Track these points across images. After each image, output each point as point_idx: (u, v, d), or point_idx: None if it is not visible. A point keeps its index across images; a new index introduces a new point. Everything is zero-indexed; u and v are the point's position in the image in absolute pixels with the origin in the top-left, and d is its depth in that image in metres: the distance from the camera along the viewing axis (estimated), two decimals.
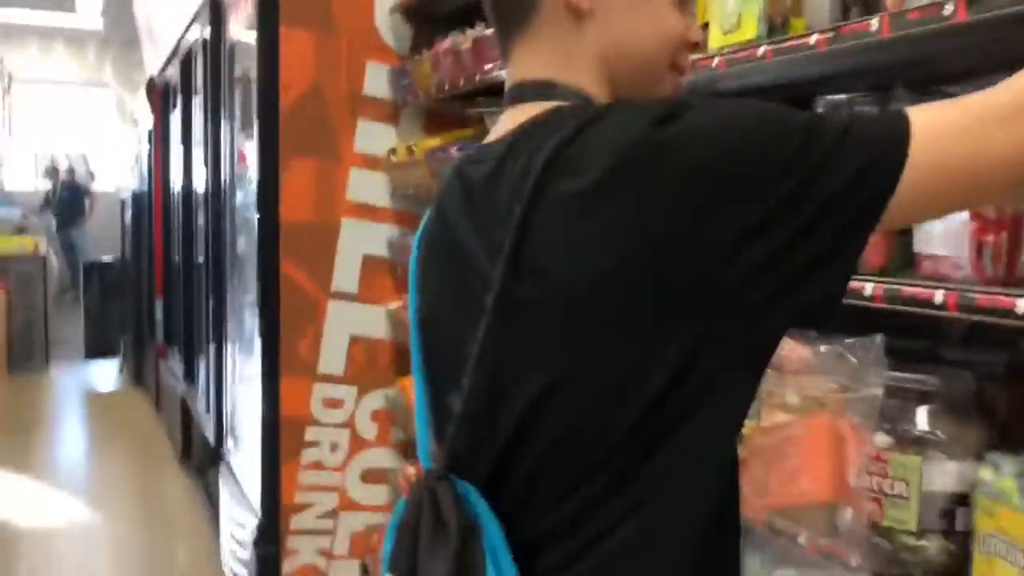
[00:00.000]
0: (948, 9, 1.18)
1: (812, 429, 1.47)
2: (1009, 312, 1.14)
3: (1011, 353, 1.61)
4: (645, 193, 0.79)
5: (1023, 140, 0.80)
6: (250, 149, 3.59)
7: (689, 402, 0.82)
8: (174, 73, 5.82)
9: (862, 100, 1.45)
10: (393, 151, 3.27)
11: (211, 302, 4.48)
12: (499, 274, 0.84)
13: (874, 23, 1.29)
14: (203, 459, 4.57)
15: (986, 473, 1.27)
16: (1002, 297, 1.15)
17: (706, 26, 1.70)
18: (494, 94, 2.63)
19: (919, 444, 1.34)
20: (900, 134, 0.80)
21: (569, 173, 0.82)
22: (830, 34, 1.37)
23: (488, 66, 2.52)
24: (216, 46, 4.25)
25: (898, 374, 1.40)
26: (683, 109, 0.82)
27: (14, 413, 6.90)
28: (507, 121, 0.96)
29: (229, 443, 4.07)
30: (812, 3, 1.53)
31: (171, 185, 6.18)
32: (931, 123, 0.81)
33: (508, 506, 0.86)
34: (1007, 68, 1.48)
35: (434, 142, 3.00)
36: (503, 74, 1.02)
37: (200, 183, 4.82)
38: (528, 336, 0.84)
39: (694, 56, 1.67)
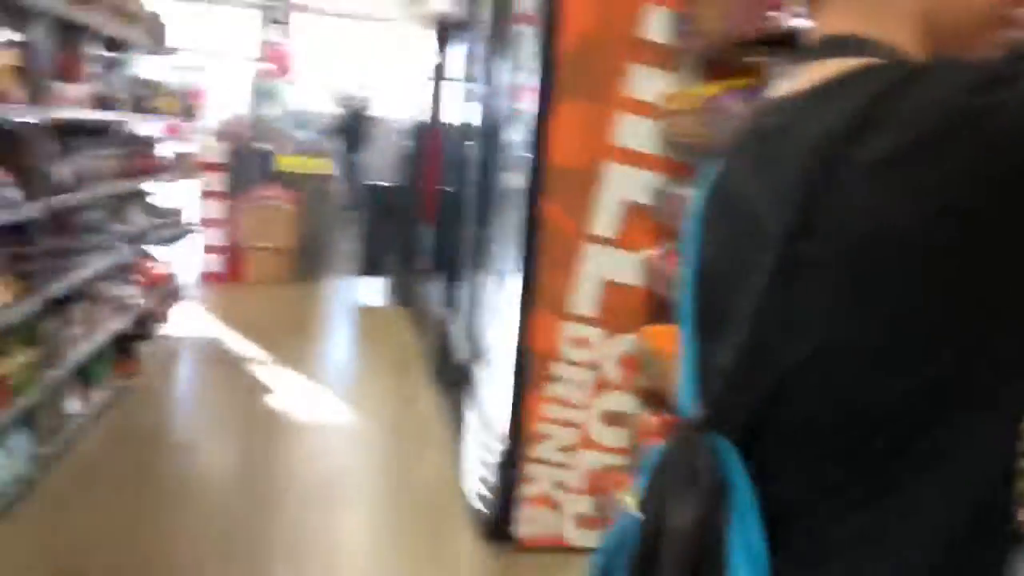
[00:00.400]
0: None
1: None
2: None
3: None
4: (959, 162, 0.74)
5: None
6: (526, 89, 3.68)
7: (979, 386, 0.77)
8: (458, 9, 6.05)
9: None
10: (668, 97, 3.23)
11: (475, 233, 4.70)
12: (785, 231, 0.82)
13: None
14: (456, 379, 4.84)
15: None
16: None
17: None
18: (776, 43, 2.52)
19: None
20: None
21: (877, 134, 0.78)
22: None
23: (774, 14, 2.41)
24: None
25: None
26: (1011, 75, 0.75)
27: (295, 317, 7.63)
28: (811, 75, 0.91)
29: (481, 367, 4.29)
30: None
31: (448, 118, 6.48)
32: None
33: (762, 467, 0.85)
34: None
35: (711, 90, 2.93)
36: (790, 23, 0.98)
37: (475, 118, 5.01)
38: (808, 297, 0.81)
39: None
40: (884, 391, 0.79)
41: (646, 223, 3.41)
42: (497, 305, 4.14)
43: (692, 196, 1.05)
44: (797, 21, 2.10)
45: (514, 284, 3.59)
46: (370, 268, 8.49)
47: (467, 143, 5.29)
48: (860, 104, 0.79)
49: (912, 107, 0.77)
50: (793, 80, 0.94)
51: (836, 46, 0.91)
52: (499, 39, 4.46)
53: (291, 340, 6.73)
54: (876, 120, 0.78)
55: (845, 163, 0.79)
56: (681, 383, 0.99)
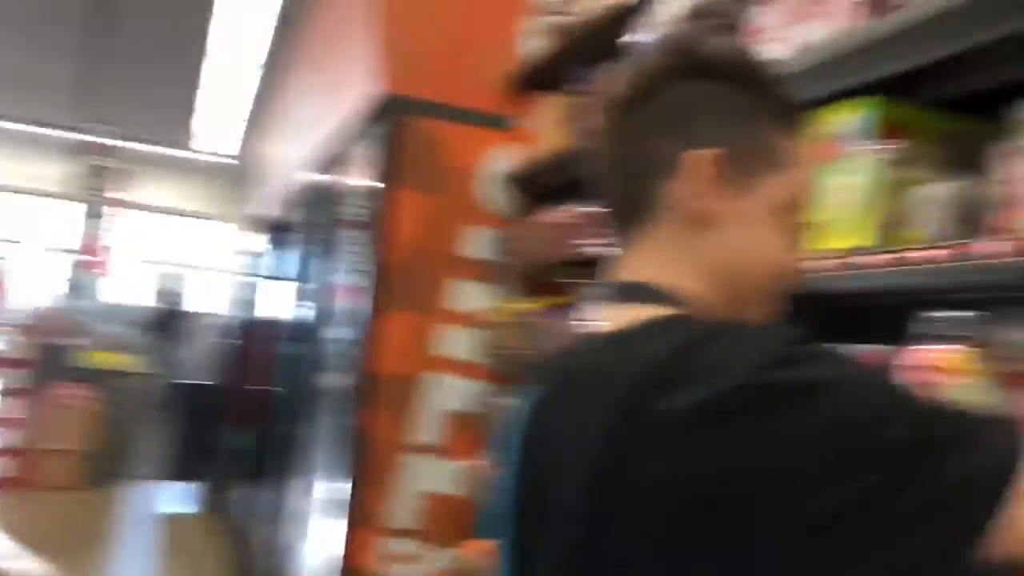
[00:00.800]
0: None
1: None
2: None
3: None
4: (739, 436, 0.75)
5: None
6: (350, 295, 3.69)
7: None
8: (285, 211, 6.10)
9: (979, 319, 1.41)
10: (488, 310, 3.32)
11: (293, 439, 4.53)
12: (587, 486, 0.82)
13: (1000, 245, 1.27)
14: None
15: None
16: None
17: (819, 226, 1.71)
18: (591, 265, 2.67)
19: None
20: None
21: (666, 392, 0.80)
22: (949, 249, 1.36)
23: (589, 241, 2.57)
24: (330, 192, 4.46)
25: None
26: (802, 357, 0.78)
27: (89, 527, 6.97)
28: (611, 317, 0.95)
29: None
30: (925, 216, 1.52)
31: (268, 318, 6.38)
32: None
33: None
34: None
35: (531, 305, 3.04)
36: (603, 250, 1.04)
37: (296, 320, 4.96)
38: (612, 552, 0.81)
39: (809, 256, 1.67)
40: None
41: (468, 432, 3.40)
42: (314, 517, 3.94)
43: (514, 411, 1.05)
44: (600, 250, 2.25)
45: (331, 494, 3.45)
46: (180, 472, 7.97)
47: (289, 344, 5.20)
48: (653, 360, 0.82)
49: (702, 368, 0.79)
50: (597, 319, 0.98)
51: (637, 292, 0.96)
52: (325, 244, 4.50)
53: (78, 554, 6.10)
54: (667, 379, 0.80)
55: (634, 421, 0.80)
56: None
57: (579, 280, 2.86)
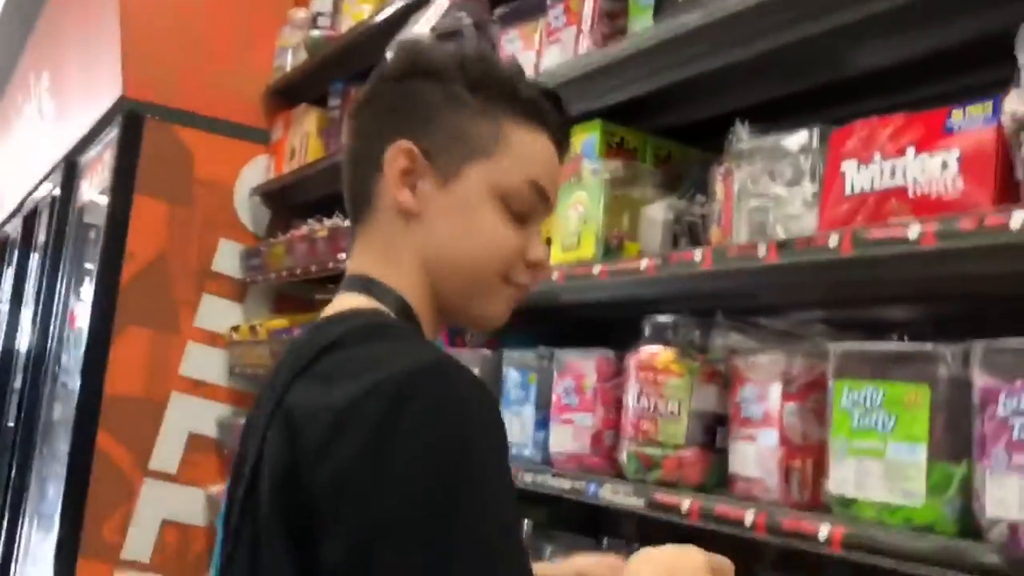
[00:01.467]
0: (761, 251, 1.30)
1: None
2: (813, 538, 1.18)
3: None
4: (308, 455, 0.78)
5: None
6: (82, 313, 3.44)
7: None
8: (14, 229, 5.60)
9: (686, 323, 1.54)
10: (236, 329, 3.20)
11: (13, 470, 4.12)
12: (248, 469, 0.85)
13: (698, 255, 1.40)
14: None
15: None
16: (807, 522, 1.20)
17: (549, 241, 1.80)
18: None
19: None
20: None
21: (295, 390, 0.83)
22: (659, 260, 1.48)
23: (342, 255, 2.56)
24: (65, 205, 4.15)
25: None
26: (410, 398, 0.77)
27: None
28: (327, 310, 0.96)
29: None
30: (646, 230, 1.65)
31: None
32: None
33: None
34: (816, 307, 1.64)
35: (279, 323, 2.97)
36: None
37: (24, 343, 4.55)
38: (251, 536, 0.83)
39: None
40: None
41: (210, 457, 3.25)
42: (37, 554, 3.60)
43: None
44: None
45: (65, 528, 3.16)
46: None
47: (13, 371, 4.75)
48: (304, 358, 0.85)
49: (322, 377, 0.83)
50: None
51: (351, 283, 0.97)
52: (57, 262, 4.16)
53: None
54: (304, 377, 0.84)
55: (278, 412, 0.83)
56: None
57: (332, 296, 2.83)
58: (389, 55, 1.05)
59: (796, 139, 1.37)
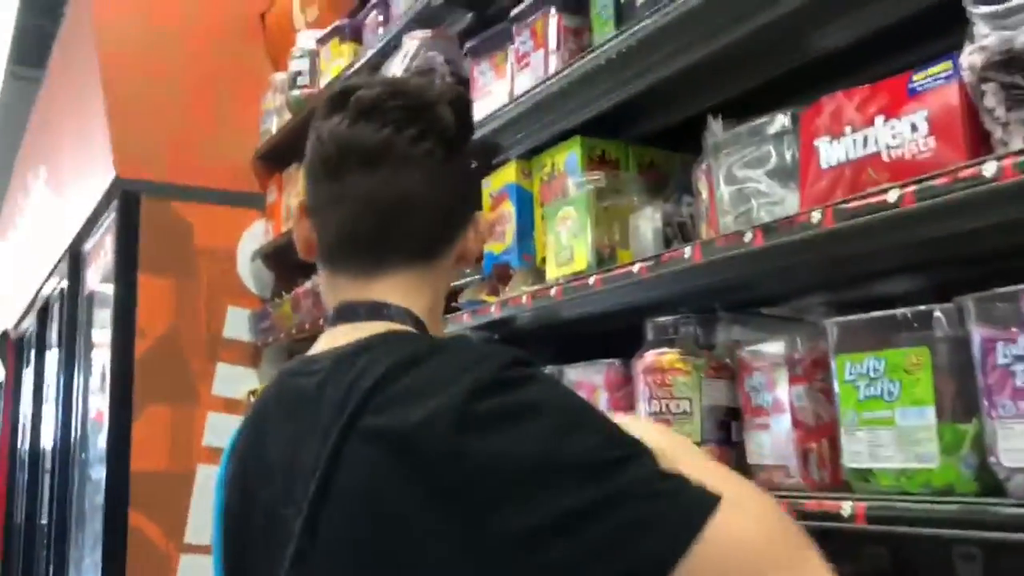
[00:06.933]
0: (747, 237, 1.30)
1: None
2: (837, 516, 1.17)
3: (854, 563, 1.63)
4: (443, 458, 0.78)
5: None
6: (103, 400, 3.46)
7: None
8: (29, 325, 5.66)
9: (686, 321, 1.54)
10: (253, 393, 3.22)
11: (51, 564, 4.12)
12: (309, 499, 0.83)
13: (687, 251, 1.41)
14: None
15: None
16: (829, 501, 1.19)
17: (543, 261, 1.82)
18: None
19: None
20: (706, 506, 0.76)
21: (379, 411, 0.82)
22: (651, 262, 1.48)
23: None
24: (73, 297, 4.19)
25: None
26: (513, 383, 0.82)
27: None
28: (340, 335, 0.96)
29: None
30: (637, 236, 1.66)
31: (19, 443, 5.83)
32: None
33: None
34: (815, 291, 1.64)
35: None
36: None
37: (49, 440, 4.57)
38: (331, 566, 0.82)
39: (537, 287, 1.77)
40: None
41: None
42: None
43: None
44: None
45: None
46: None
47: (41, 468, 4.77)
48: (372, 379, 0.84)
49: (413, 391, 0.83)
50: (327, 339, 0.99)
51: (360, 309, 0.98)
52: (73, 354, 4.20)
53: None
54: (383, 397, 0.83)
55: (354, 435, 0.83)
56: None
57: None
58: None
59: (769, 124, 1.38)
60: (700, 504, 0.75)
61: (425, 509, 0.78)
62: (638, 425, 0.89)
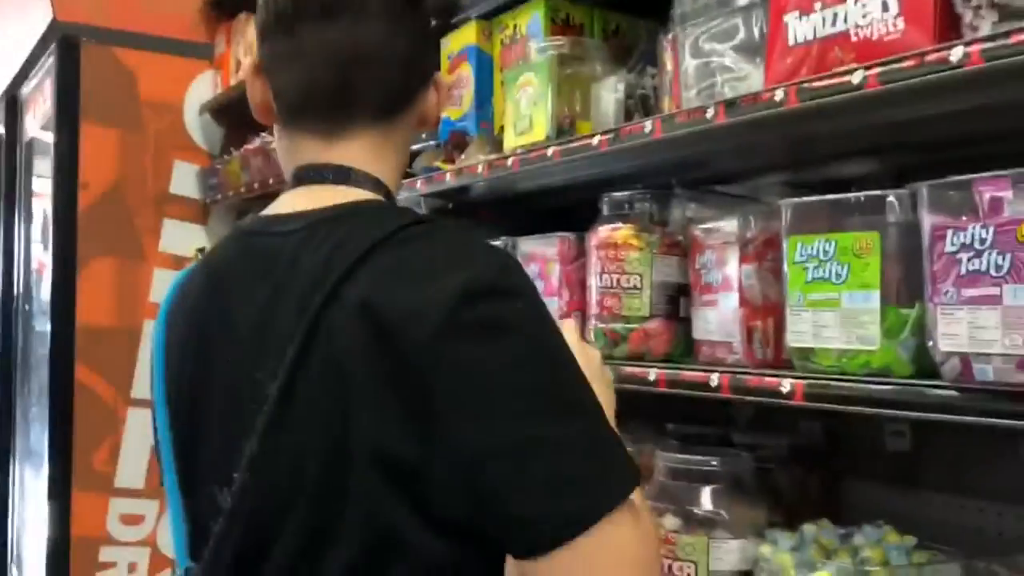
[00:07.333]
0: (710, 112, 1.28)
1: None
2: (776, 392, 1.21)
3: (791, 436, 1.70)
4: (420, 351, 0.79)
5: None
6: (45, 253, 3.39)
7: None
8: None
9: (642, 197, 1.54)
10: (201, 250, 3.17)
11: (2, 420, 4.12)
12: (287, 365, 0.82)
13: (648, 125, 1.38)
14: None
15: (765, 550, 1.32)
16: (769, 378, 1.22)
17: (502, 129, 1.78)
18: None
19: (706, 525, 1.39)
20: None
21: (364, 284, 0.82)
22: (611, 135, 1.46)
23: None
24: (11, 144, 4.03)
25: (683, 456, 1.45)
26: (504, 293, 0.82)
27: None
28: (304, 198, 0.94)
29: (13, 572, 3.70)
30: (598, 107, 1.62)
31: None
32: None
33: None
34: (774, 170, 1.64)
35: None
36: None
37: None
38: (302, 431, 0.82)
39: (494, 156, 1.74)
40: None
41: None
42: (30, 493, 3.64)
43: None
44: None
45: (49, 465, 3.19)
46: None
47: None
48: (363, 247, 0.83)
49: (404, 271, 0.82)
50: (288, 201, 0.96)
51: (325, 172, 0.95)
52: (12, 203, 4.07)
53: None
54: (365, 270, 0.82)
55: (336, 304, 0.82)
56: (173, 530, 0.93)
57: None
58: None
59: None
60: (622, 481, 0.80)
61: (387, 386, 0.79)
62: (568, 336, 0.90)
